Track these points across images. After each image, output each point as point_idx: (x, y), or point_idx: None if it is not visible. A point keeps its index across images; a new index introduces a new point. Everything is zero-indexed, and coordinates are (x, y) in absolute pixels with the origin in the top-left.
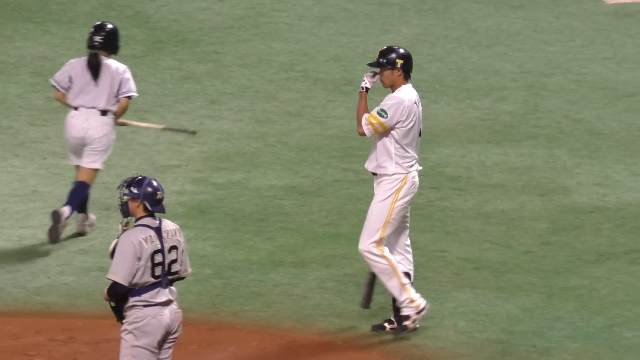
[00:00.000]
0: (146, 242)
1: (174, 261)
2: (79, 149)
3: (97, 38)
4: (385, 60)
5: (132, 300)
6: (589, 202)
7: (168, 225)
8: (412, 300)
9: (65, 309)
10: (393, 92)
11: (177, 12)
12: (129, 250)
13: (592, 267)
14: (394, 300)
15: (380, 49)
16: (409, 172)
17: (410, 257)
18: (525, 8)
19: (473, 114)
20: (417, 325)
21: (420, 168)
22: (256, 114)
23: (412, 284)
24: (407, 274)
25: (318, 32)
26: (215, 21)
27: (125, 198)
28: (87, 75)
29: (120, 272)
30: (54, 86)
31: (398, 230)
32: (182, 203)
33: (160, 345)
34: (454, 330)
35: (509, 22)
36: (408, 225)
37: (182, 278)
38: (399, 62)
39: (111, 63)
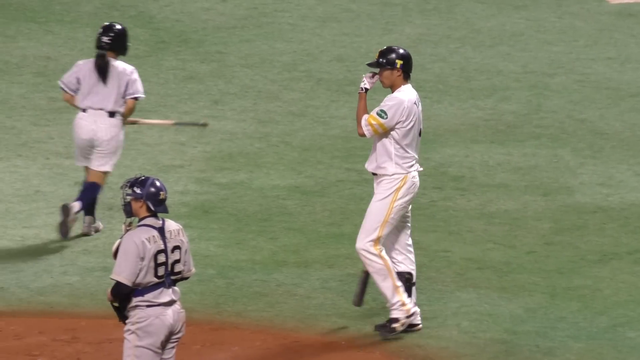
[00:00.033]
0: (149, 242)
1: (177, 261)
2: (87, 150)
3: (105, 39)
4: (385, 60)
5: (135, 301)
6: (593, 202)
7: (171, 225)
8: (404, 304)
9: (68, 309)
10: (393, 92)
11: (180, 12)
12: (132, 250)
13: (595, 267)
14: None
15: (379, 49)
16: (409, 172)
17: (412, 257)
18: (528, 8)
19: (476, 114)
20: (421, 326)
21: (421, 169)
22: (259, 114)
23: (414, 284)
24: (410, 274)
25: (321, 32)
26: (218, 21)
27: (128, 198)
28: (95, 77)
29: (123, 272)
30: (62, 88)
31: (399, 230)
32: (185, 203)
33: (164, 345)
34: (457, 330)
35: (512, 22)
36: (409, 225)
37: (186, 278)
38: (399, 62)
39: (118, 64)
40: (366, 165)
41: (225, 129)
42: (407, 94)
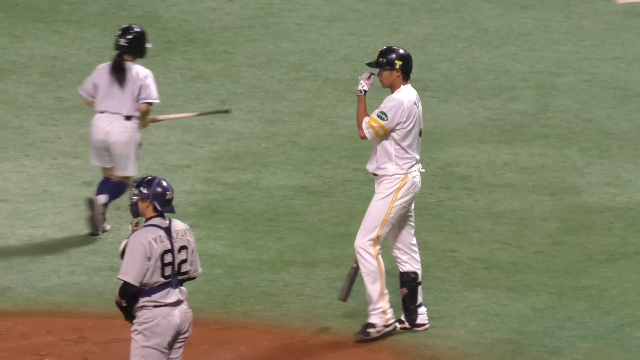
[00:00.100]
0: (156, 242)
1: (184, 261)
2: (101, 152)
3: (123, 41)
4: (384, 60)
5: (142, 301)
6: (600, 202)
7: (178, 225)
8: (385, 312)
9: (76, 309)
10: (392, 92)
11: (187, 12)
12: (139, 250)
13: (602, 267)
14: (404, 299)
15: (380, 49)
16: (409, 172)
17: (417, 256)
18: (535, 8)
19: (483, 114)
20: (428, 326)
21: (423, 170)
22: (266, 114)
23: (420, 283)
24: (415, 273)
25: (328, 32)
26: (225, 21)
27: (135, 198)
28: (112, 80)
29: (130, 272)
30: (82, 94)
31: (403, 230)
32: (192, 203)
33: (171, 345)
34: (464, 330)
35: (520, 21)
36: (413, 224)
37: (193, 278)
38: (398, 63)
39: (133, 67)
40: (367, 166)
41: (232, 129)
42: (406, 94)
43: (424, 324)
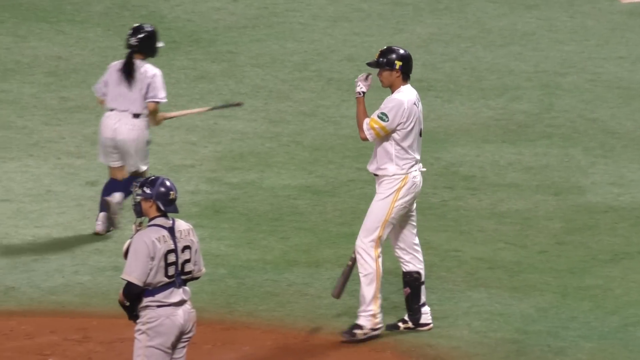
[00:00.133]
0: (159, 241)
1: (188, 261)
2: (109, 150)
3: (134, 40)
4: (384, 60)
5: (145, 301)
6: (604, 202)
7: (181, 225)
8: (375, 316)
9: (79, 309)
10: (392, 92)
11: (191, 12)
12: (142, 250)
13: (606, 267)
14: (407, 299)
15: (380, 49)
16: (409, 172)
17: (419, 256)
18: (539, 7)
19: (487, 114)
20: (432, 326)
21: (424, 169)
22: (270, 114)
23: (423, 282)
24: (418, 273)
25: (332, 32)
26: (229, 21)
27: (139, 198)
28: (120, 78)
29: (134, 272)
30: (95, 93)
31: (405, 230)
32: (196, 203)
33: (174, 345)
34: (468, 330)
35: (524, 21)
36: (415, 224)
37: (196, 278)
38: (398, 63)
39: (142, 66)
40: (367, 167)
41: (236, 129)
42: (406, 94)
43: (427, 324)
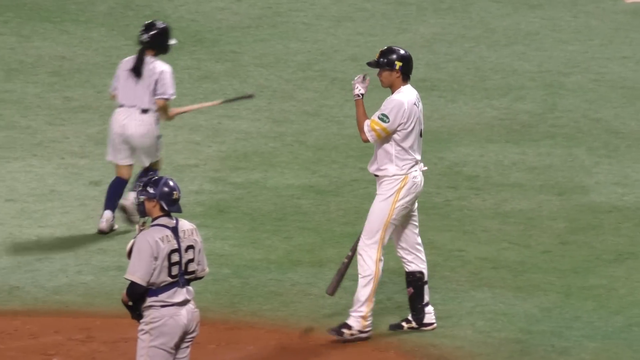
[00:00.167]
0: (162, 241)
1: (191, 260)
2: (118, 146)
3: (145, 36)
4: (385, 61)
5: (149, 301)
6: (608, 202)
7: (185, 224)
8: (365, 318)
9: (83, 308)
10: (392, 93)
11: (195, 11)
12: (146, 250)
13: (610, 267)
14: (411, 299)
15: (380, 49)
16: (409, 172)
17: (422, 255)
18: (543, 7)
19: (491, 114)
20: (435, 325)
21: (425, 168)
22: (274, 114)
23: (426, 282)
24: (421, 273)
25: (335, 31)
26: (233, 21)
27: (142, 198)
28: (129, 74)
29: (137, 272)
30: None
31: (407, 230)
32: (200, 202)
33: (178, 345)
34: (472, 330)
35: (527, 21)
36: (416, 224)
37: (200, 278)
38: (398, 64)
39: (152, 63)
40: (368, 167)
41: (240, 129)
42: (406, 95)
43: (431, 324)
